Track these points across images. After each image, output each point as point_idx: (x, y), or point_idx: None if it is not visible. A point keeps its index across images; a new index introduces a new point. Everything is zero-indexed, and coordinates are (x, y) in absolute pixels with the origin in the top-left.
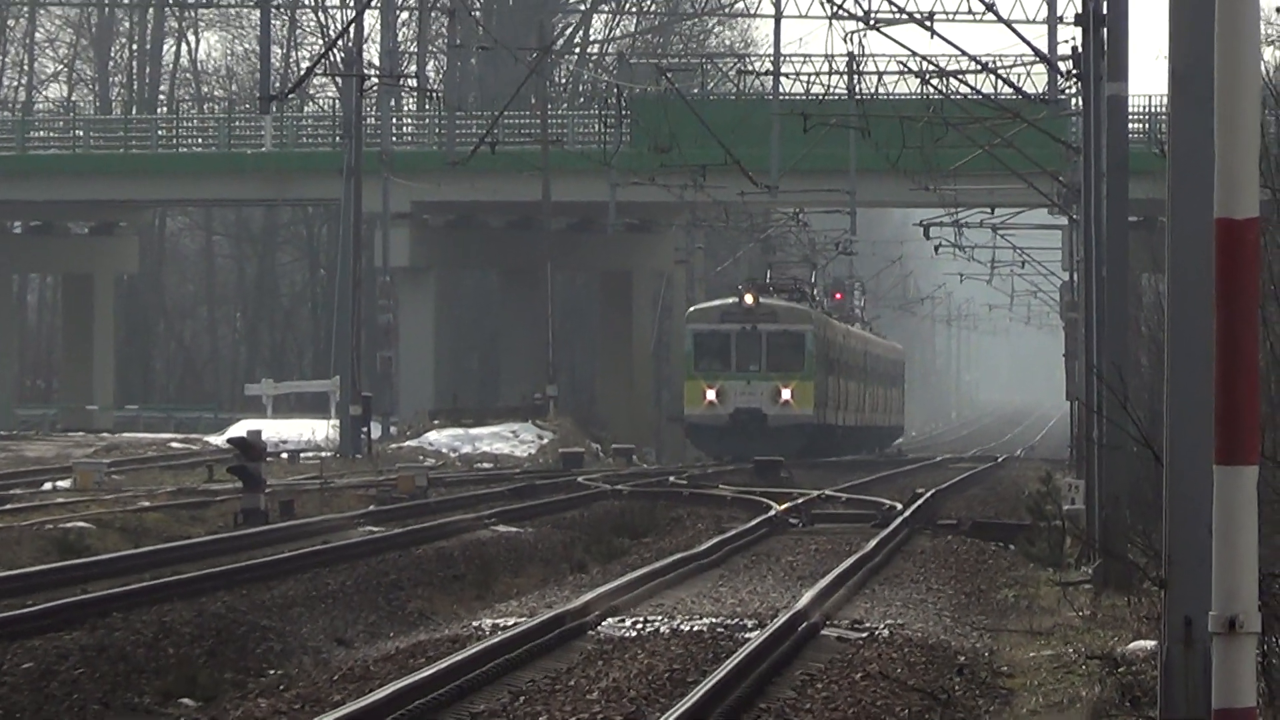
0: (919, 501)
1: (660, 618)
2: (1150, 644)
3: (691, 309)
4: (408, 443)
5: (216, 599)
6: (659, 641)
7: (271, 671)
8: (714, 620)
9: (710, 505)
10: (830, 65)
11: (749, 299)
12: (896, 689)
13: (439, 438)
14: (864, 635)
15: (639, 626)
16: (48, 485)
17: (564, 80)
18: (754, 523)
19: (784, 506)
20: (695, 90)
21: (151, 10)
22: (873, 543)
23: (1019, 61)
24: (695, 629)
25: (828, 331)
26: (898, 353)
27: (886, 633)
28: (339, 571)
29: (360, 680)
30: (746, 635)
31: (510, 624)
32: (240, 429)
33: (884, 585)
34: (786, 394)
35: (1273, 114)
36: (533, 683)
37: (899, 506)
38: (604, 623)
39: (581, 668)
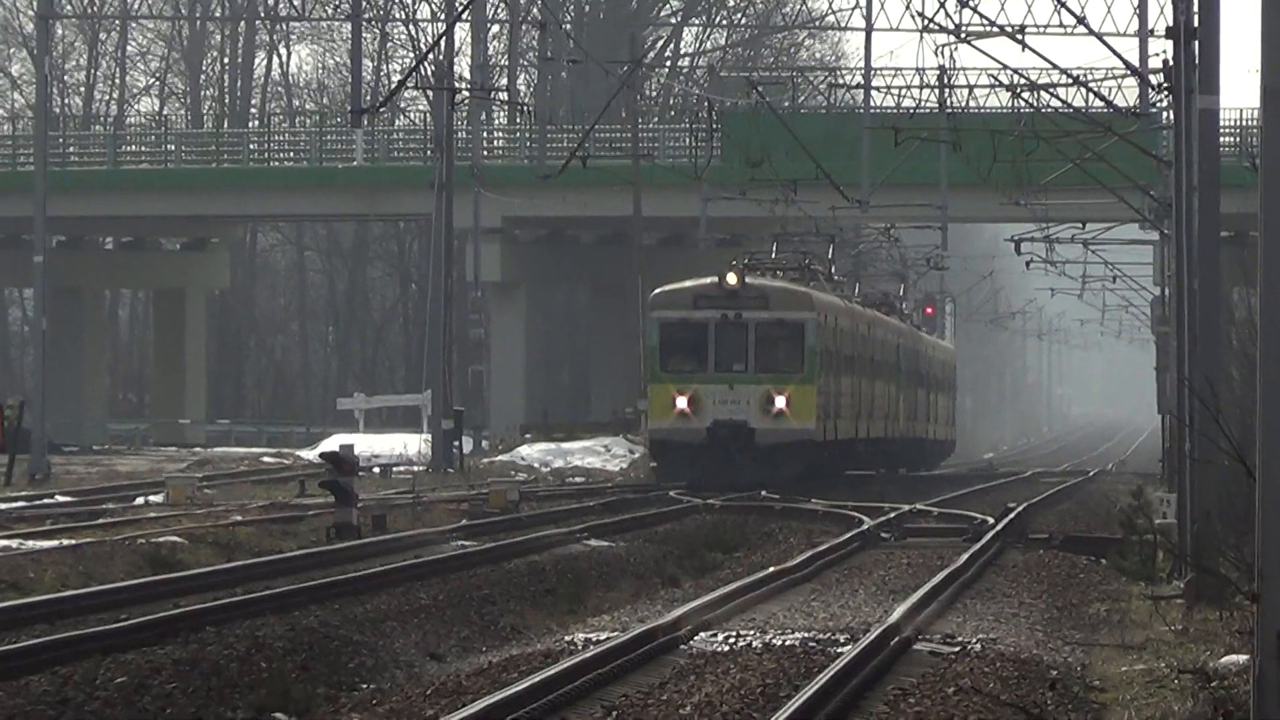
0: (1010, 516)
1: (752, 632)
2: (1243, 658)
3: (658, 290)
4: (499, 457)
5: (309, 613)
6: (751, 656)
7: (364, 686)
8: (806, 635)
9: (802, 519)
10: (921, 79)
11: (731, 278)
12: (989, 704)
13: (530, 452)
14: (956, 649)
15: (731, 641)
16: (140, 500)
17: (655, 94)
18: (846, 537)
19: (876, 521)
20: (786, 104)
21: (243, 23)
22: (964, 556)
23: (1110, 75)
24: (787, 643)
25: (839, 320)
26: (947, 353)
27: (979, 647)
28: (431, 586)
29: (453, 695)
30: (839, 650)
31: (602, 638)
32: (332, 443)
33: (976, 599)
34: (780, 401)
35: None
36: (625, 698)
37: (991, 521)
38: (696, 637)
39: (674, 683)
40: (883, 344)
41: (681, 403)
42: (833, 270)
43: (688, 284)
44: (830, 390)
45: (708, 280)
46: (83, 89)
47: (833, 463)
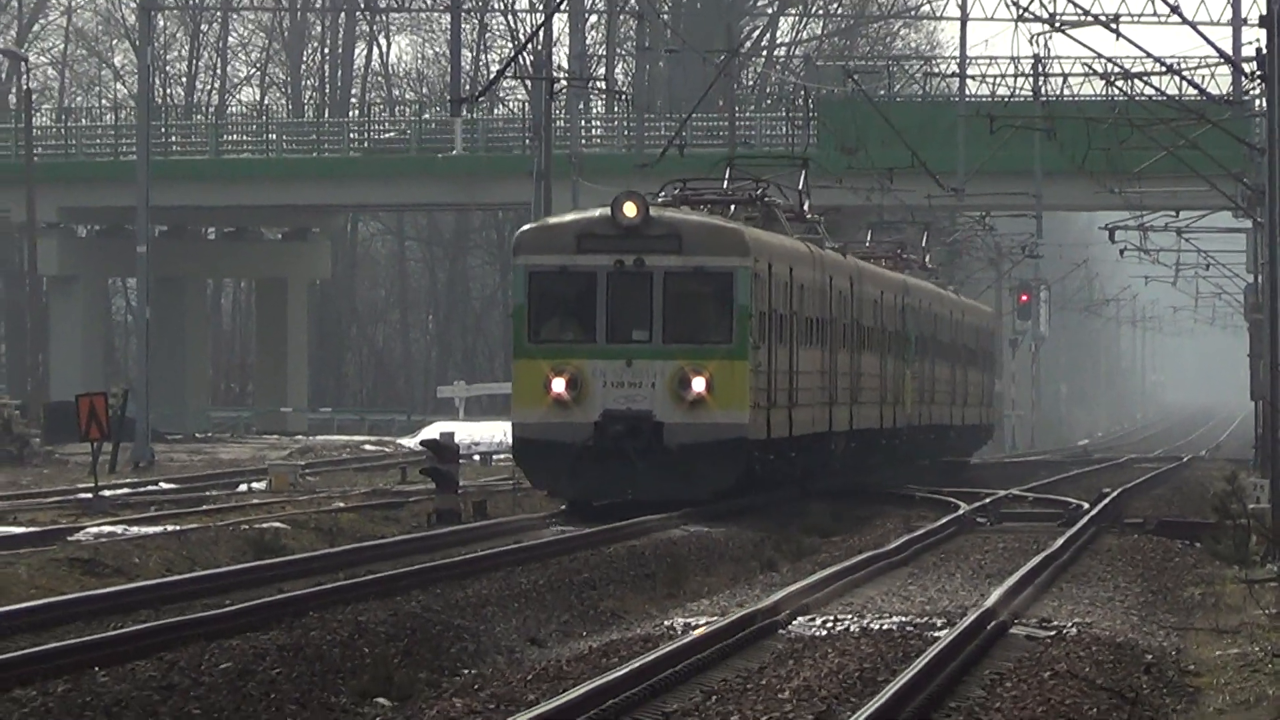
0: (1105, 500)
1: (850, 616)
2: None
3: (524, 229)
4: None
5: (411, 598)
6: (849, 640)
7: (466, 671)
8: (903, 619)
9: (898, 504)
10: (1016, 67)
11: (629, 208)
12: (1084, 688)
13: None
14: (1052, 634)
15: (829, 625)
16: (243, 487)
17: (751, 82)
18: (942, 521)
19: (972, 506)
20: (881, 92)
21: (343, 14)
22: (1060, 541)
23: (1203, 63)
24: (885, 627)
25: (797, 271)
26: (981, 316)
27: (1074, 631)
28: (531, 571)
29: (554, 680)
30: (935, 634)
31: (703, 623)
32: (433, 431)
33: (1071, 583)
34: (699, 384)
35: None
36: (724, 682)
37: (1086, 505)
38: (794, 621)
39: (773, 667)
40: (877, 304)
41: (558, 385)
42: (927, 259)
43: (569, 218)
44: (776, 368)
45: (596, 213)
46: (184, 79)
47: (782, 470)
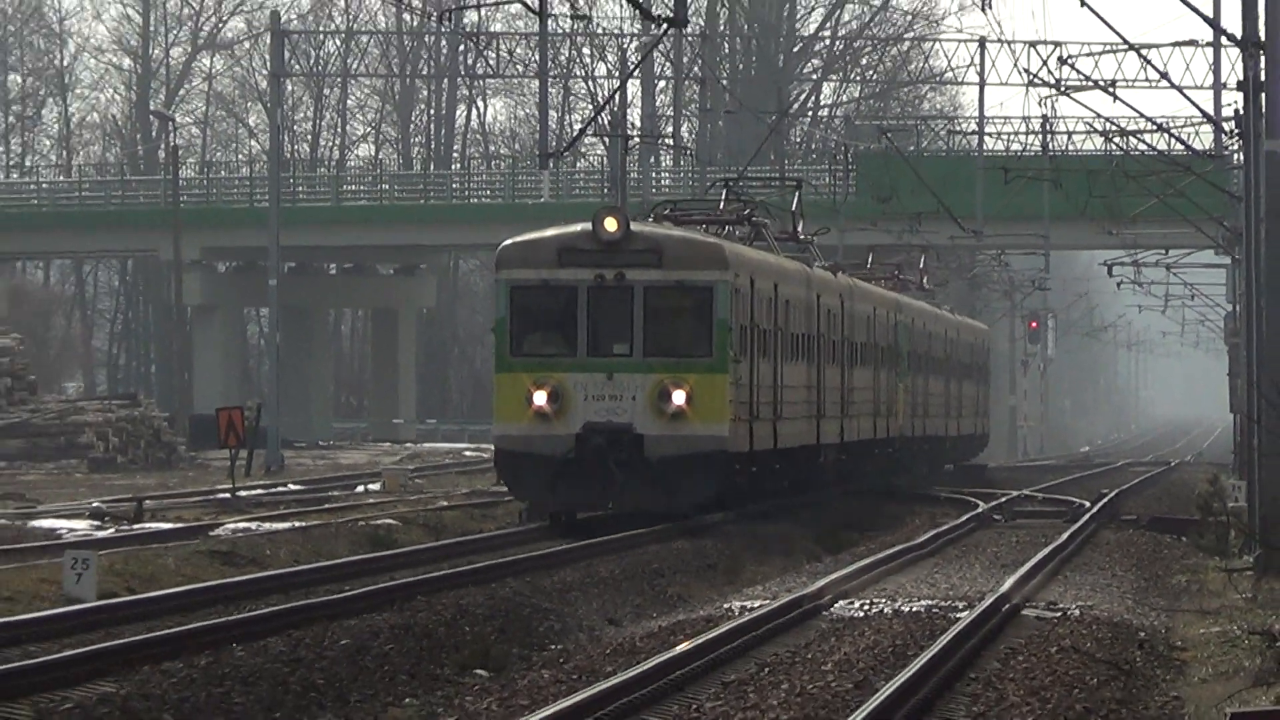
0: (1104, 500)
1: (884, 600)
2: None
3: (508, 243)
4: None
5: (505, 585)
6: (883, 621)
7: (553, 646)
8: (930, 602)
9: (925, 503)
10: (1027, 126)
11: (610, 223)
12: (1086, 661)
13: None
14: (1058, 615)
15: (865, 608)
16: (360, 488)
17: (799, 139)
18: (963, 518)
19: (989, 505)
20: (911, 147)
21: (446, 80)
22: (1065, 535)
23: (1189, 122)
24: (914, 610)
25: (782, 287)
26: (975, 333)
27: (1077, 612)
28: (609, 561)
29: (628, 654)
30: (958, 615)
31: (756, 606)
32: None
33: (1075, 572)
34: (679, 397)
35: None
36: (775, 656)
37: (1087, 504)
38: (836, 605)
39: (817, 643)
40: (869, 321)
41: (539, 399)
42: (924, 280)
43: (550, 232)
44: (758, 381)
45: (578, 228)
46: (309, 136)
47: (768, 481)
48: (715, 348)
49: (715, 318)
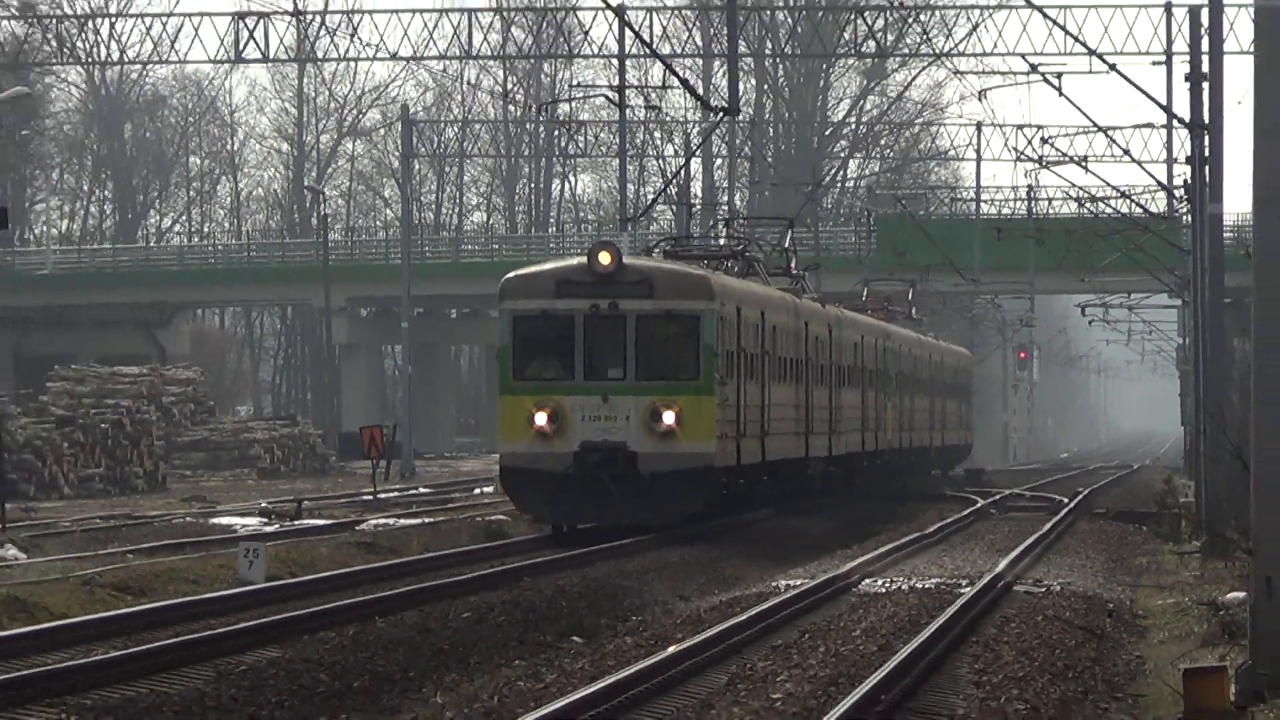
0: (1079, 497)
1: (901, 579)
2: (1242, 595)
3: (510, 275)
4: None
5: (595, 568)
6: (901, 595)
7: (634, 617)
8: (939, 580)
9: (933, 501)
10: (1015, 194)
11: (604, 257)
12: (1066, 627)
13: None
14: (1043, 590)
15: (886, 585)
16: (477, 490)
17: (830, 205)
18: (966, 512)
19: (986, 501)
20: (921, 212)
21: (544, 159)
22: (1048, 525)
23: (1147, 190)
24: (925, 586)
25: (769, 315)
26: (959, 357)
27: (1058, 588)
28: (678, 549)
29: (695, 623)
30: (961, 591)
31: (798, 584)
32: None
33: (1056, 555)
34: (669, 417)
35: None
36: (814, 624)
37: (1066, 500)
38: (862, 583)
39: (847, 614)
40: (857, 347)
41: (540, 419)
42: (913, 311)
43: (549, 266)
44: (745, 401)
45: (574, 261)
46: (434, 205)
47: (757, 492)
48: (702, 372)
49: (702, 343)
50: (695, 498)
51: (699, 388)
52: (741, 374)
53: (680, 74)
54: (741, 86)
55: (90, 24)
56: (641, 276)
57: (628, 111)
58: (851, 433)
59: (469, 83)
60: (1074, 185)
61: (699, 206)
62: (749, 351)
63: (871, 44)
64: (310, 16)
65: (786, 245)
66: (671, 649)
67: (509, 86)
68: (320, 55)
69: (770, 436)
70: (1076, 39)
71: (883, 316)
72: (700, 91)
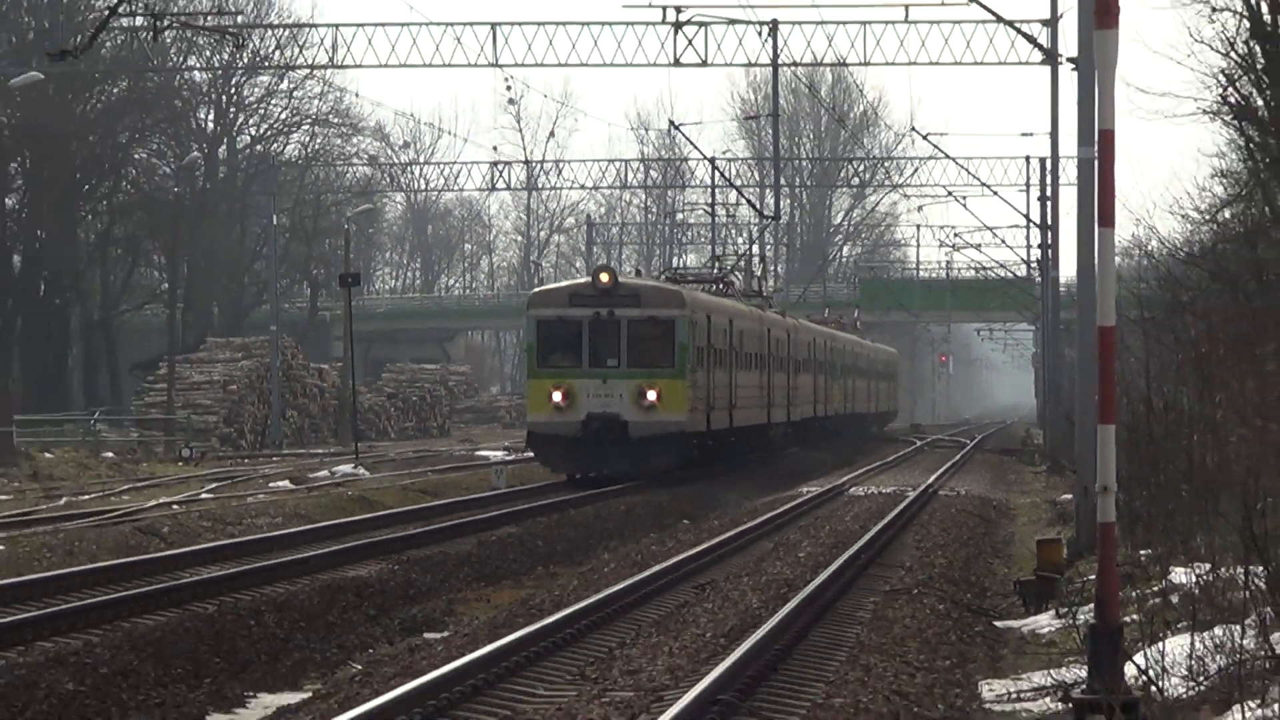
0: (977, 440)
1: (873, 488)
2: (1069, 496)
3: (534, 291)
4: None
5: (696, 486)
6: (873, 497)
7: (718, 510)
8: (895, 488)
9: (892, 444)
10: (939, 265)
11: (604, 277)
12: (968, 515)
13: None
14: (955, 494)
15: (865, 490)
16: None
17: (832, 272)
18: (910, 449)
19: (923, 441)
20: (885, 275)
21: (669, 245)
22: (959, 455)
23: (1017, 262)
24: (887, 491)
25: (735, 322)
26: (890, 354)
27: (964, 492)
28: (743, 474)
29: (754, 513)
30: (907, 494)
31: (814, 490)
32: None
33: (963, 473)
34: (652, 395)
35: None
36: (822, 513)
37: (968, 442)
38: (850, 489)
39: (842, 508)
40: (810, 346)
41: (557, 396)
42: (858, 322)
43: (564, 284)
44: (712, 384)
45: (582, 280)
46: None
47: (726, 449)
48: (676, 361)
49: (676, 341)
50: (672, 454)
51: (674, 373)
52: (710, 363)
53: (747, 196)
54: (781, 202)
55: (409, 169)
56: (631, 291)
57: (717, 216)
58: (805, 404)
59: (625, 201)
60: (973, 260)
61: (742, 265)
62: (718, 347)
63: (856, 180)
64: (535, 165)
65: (758, 274)
66: (743, 525)
67: (648, 203)
68: (539, 187)
69: (738, 409)
70: (974, 175)
71: (838, 327)
72: (757, 205)
